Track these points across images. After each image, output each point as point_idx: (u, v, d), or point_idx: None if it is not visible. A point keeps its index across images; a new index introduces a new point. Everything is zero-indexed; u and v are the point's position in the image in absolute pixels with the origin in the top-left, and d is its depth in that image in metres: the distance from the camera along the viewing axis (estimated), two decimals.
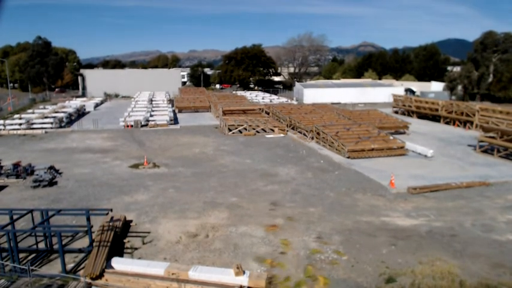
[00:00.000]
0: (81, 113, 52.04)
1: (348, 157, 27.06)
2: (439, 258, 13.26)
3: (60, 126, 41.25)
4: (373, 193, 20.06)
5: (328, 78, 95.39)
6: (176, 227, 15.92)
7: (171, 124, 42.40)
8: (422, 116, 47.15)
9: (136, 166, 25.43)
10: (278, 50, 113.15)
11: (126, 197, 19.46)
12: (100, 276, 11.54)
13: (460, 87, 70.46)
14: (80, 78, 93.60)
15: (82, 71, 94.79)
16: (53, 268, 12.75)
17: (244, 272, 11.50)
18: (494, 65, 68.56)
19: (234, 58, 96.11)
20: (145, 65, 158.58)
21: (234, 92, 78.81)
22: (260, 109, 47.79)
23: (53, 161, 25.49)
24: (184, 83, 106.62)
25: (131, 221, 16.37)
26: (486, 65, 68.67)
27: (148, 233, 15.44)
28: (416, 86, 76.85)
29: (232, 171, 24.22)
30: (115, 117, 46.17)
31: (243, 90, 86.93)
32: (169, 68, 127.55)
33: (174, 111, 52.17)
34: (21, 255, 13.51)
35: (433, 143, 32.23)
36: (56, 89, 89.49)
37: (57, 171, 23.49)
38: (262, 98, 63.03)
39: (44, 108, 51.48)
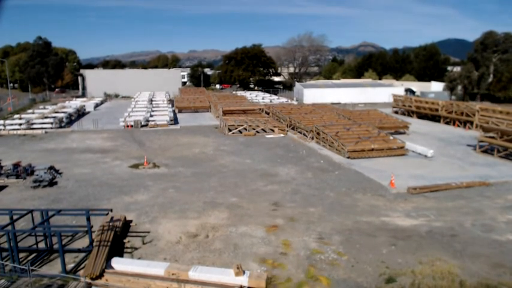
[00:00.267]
0: (81, 113, 52.04)
1: (348, 157, 27.06)
2: (439, 258, 13.26)
3: (60, 127, 41.26)
4: (373, 193, 20.06)
5: (328, 78, 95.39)
6: (176, 227, 15.92)
7: (171, 124, 42.40)
8: (422, 116, 47.15)
9: (136, 166, 25.43)
10: (278, 50, 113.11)
11: (126, 197, 19.46)
12: (100, 276, 11.54)
13: (460, 87, 70.45)
14: (80, 79, 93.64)
15: (82, 71, 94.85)
16: (53, 268, 12.75)
17: (244, 272, 11.51)
18: (494, 65, 68.58)
19: (234, 58, 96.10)
20: (145, 65, 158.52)
21: (234, 92, 78.83)
22: (260, 109, 47.81)
23: (53, 161, 25.49)
24: (184, 83, 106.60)
25: (131, 221, 16.36)
26: (486, 65, 68.68)
27: (148, 232, 15.45)
28: (416, 86, 76.85)
29: (232, 171, 24.22)
30: (115, 118, 46.17)
31: (243, 90, 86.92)
32: (169, 68, 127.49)
33: (174, 111, 52.18)
34: (22, 255, 13.52)
35: (433, 143, 32.23)
36: (56, 89, 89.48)
37: (57, 171, 23.48)
38: (262, 98, 63.03)
39: (44, 108, 51.49)
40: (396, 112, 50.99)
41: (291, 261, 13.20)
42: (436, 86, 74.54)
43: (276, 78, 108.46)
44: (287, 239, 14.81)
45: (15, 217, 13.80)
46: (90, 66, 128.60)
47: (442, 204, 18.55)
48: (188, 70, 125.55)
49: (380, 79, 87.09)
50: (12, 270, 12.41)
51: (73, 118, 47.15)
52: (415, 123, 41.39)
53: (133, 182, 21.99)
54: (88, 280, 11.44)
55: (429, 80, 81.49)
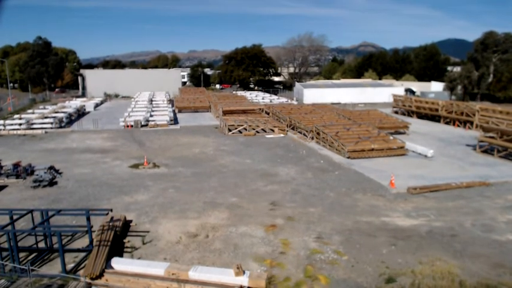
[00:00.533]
0: (81, 113, 52.04)
1: (348, 157, 27.06)
2: (439, 258, 13.26)
3: (60, 127, 41.26)
4: (373, 193, 20.06)
5: (328, 79, 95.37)
6: (176, 227, 15.92)
7: (171, 124, 42.40)
8: (422, 116, 47.14)
9: (136, 166, 25.43)
10: (278, 50, 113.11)
11: (126, 197, 19.46)
12: (100, 276, 11.54)
13: (460, 87, 70.45)
14: (80, 79, 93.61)
15: (82, 71, 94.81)
16: (53, 268, 12.75)
17: (244, 272, 11.51)
18: (494, 65, 68.59)
19: (234, 58, 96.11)
20: (145, 65, 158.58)
21: (234, 92, 78.81)
22: (260, 109, 47.81)
23: (53, 161, 25.49)
24: (184, 83, 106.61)
25: (131, 221, 16.37)
26: (486, 65, 68.70)
27: (148, 232, 15.45)
28: (417, 86, 76.85)
29: (232, 172, 24.21)
30: (115, 118, 46.17)
31: (243, 90, 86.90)
32: (169, 68, 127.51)
33: (174, 111, 52.17)
34: (21, 255, 13.51)
35: (433, 143, 32.22)
36: (56, 89, 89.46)
37: (57, 171, 23.48)
38: (262, 98, 63.04)
39: (44, 108, 51.49)
40: (396, 112, 50.99)
41: (290, 261, 13.20)
42: (436, 86, 74.53)
43: (276, 78, 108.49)
44: (287, 239, 14.81)
45: (15, 217, 13.80)
46: (90, 66, 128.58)
47: (442, 204, 18.55)
48: (188, 70, 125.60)
49: (380, 79, 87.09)
50: (12, 270, 12.41)
51: (73, 118, 47.15)
52: (415, 123, 41.38)
53: (133, 182, 21.99)
54: (88, 280, 11.44)
55: (429, 80, 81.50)
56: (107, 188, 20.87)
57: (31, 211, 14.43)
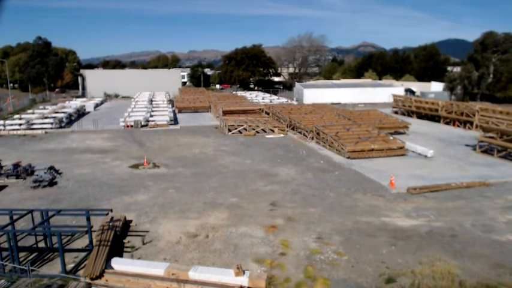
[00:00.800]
0: (81, 113, 52.04)
1: (348, 157, 27.06)
2: (439, 258, 13.26)
3: (60, 127, 41.25)
4: (373, 193, 20.06)
5: (328, 79, 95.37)
6: (176, 227, 15.92)
7: (171, 124, 42.39)
8: (422, 117, 47.14)
9: (136, 166, 25.43)
10: (278, 50, 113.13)
11: (126, 197, 19.46)
12: (100, 276, 11.54)
13: (459, 88, 70.45)
14: (80, 79, 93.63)
15: (82, 71, 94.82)
16: (53, 268, 12.75)
17: (244, 273, 11.51)
18: (494, 65, 68.59)
19: (234, 58, 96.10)
20: (145, 65, 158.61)
21: (234, 92, 78.83)
22: (260, 109, 47.80)
23: (53, 161, 25.49)
24: (184, 83, 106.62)
25: (131, 221, 16.37)
26: (486, 65, 68.71)
27: (147, 231, 15.45)
28: (416, 86, 76.84)
29: (232, 172, 24.22)
30: (115, 118, 46.17)
31: (243, 90, 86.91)
32: (169, 68, 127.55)
33: (174, 111, 52.18)
34: (22, 255, 13.51)
35: (433, 143, 32.23)
36: (56, 89, 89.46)
37: (57, 171, 23.48)
38: (262, 98, 63.04)
39: (44, 108, 51.48)
40: (396, 112, 50.99)
41: (290, 261, 13.20)
42: (436, 86, 74.52)
43: (276, 79, 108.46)
44: (287, 239, 14.81)
45: (15, 217, 13.80)
46: (90, 66, 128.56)
47: (442, 204, 18.55)
48: (188, 70, 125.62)
49: (380, 79, 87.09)
50: (12, 271, 12.41)
51: (73, 118, 47.15)
52: (415, 123, 41.38)
53: (133, 182, 21.99)
54: (88, 280, 11.45)
55: (429, 80, 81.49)
56: (107, 188, 20.87)
57: (31, 211, 14.43)
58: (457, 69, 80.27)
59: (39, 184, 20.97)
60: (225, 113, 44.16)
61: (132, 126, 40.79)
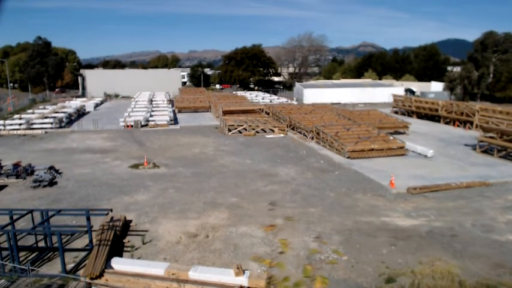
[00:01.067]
0: (81, 113, 52.04)
1: (348, 157, 27.07)
2: (439, 258, 13.27)
3: (60, 127, 41.26)
4: (373, 193, 20.06)
5: (328, 79, 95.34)
6: (176, 227, 15.92)
7: (171, 124, 42.40)
8: (422, 116, 47.14)
9: (136, 166, 25.43)
10: (278, 50, 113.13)
11: (126, 197, 19.46)
12: (100, 276, 11.55)
13: (459, 88, 70.45)
14: (80, 79, 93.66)
15: (82, 71, 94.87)
16: (53, 268, 12.75)
17: (244, 272, 11.51)
18: (494, 65, 68.58)
19: (234, 58, 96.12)
20: (145, 65, 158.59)
21: (234, 92, 78.81)
22: (260, 109, 47.81)
23: (53, 161, 25.49)
24: (184, 83, 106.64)
25: (131, 221, 16.37)
26: (486, 65, 68.69)
27: (147, 231, 15.45)
28: (416, 86, 76.84)
29: (232, 172, 24.22)
30: (115, 118, 46.17)
31: (243, 90, 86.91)
32: (169, 68, 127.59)
33: (174, 111, 52.18)
34: (22, 255, 13.51)
35: (433, 143, 32.23)
36: (56, 89, 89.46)
37: (57, 171, 23.49)
38: (262, 98, 63.05)
39: (44, 108, 51.49)
40: (396, 112, 50.99)
41: (290, 261, 13.20)
42: (436, 86, 74.53)
43: (276, 79, 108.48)
44: (287, 239, 14.81)
45: (15, 217, 13.80)
46: (90, 66, 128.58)
47: (442, 204, 18.55)
48: (188, 70, 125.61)
49: (380, 79, 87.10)
50: (12, 270, 12.41)
51: (73, 118, 47.16)
52: (415, 123, 41.38)
53: (134, 182, 22.00)
54: (88, 280, 11.45)
55: (429, 80, 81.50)
56: (107, 188, 20.87)
57: (31, 211, 14.43)
58: (457, 69, 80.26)
59: (39, 184, 20.97)
60: (225, 113, 44.16)
61: (132, 126, 40.79)
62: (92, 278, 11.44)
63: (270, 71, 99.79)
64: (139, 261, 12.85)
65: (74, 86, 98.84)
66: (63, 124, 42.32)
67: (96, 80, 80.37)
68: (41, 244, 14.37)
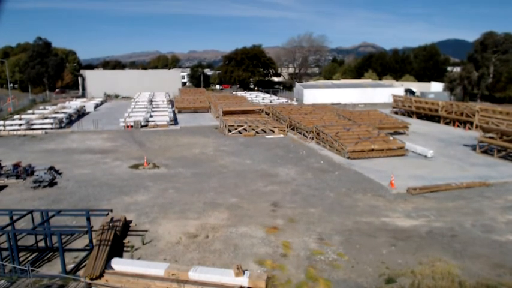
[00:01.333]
0: (81, 114, 52.02)
1: (348, 157, 27.07)
2: (439, 258, 13.27)
3: (60, 127, 41.25)
4: (373, 193, 20.06)
5: (328, 79, 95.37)
6: (176, 227, 15.92)
7: (171, 125, 42.39)
8: (422, 117, 47.14)
9: (136, 167, 25.43)
10: (278, 51, 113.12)
11: (126, 198, 19.46)
12: (100, 276, 11.55)
13: (459, 88, 70.45)
14: (80, 79, 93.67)
15: (82, 71, 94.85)
16: (53, 269, 12.75)
17: (244, 273, 11.52)
18: (494, 66, 68.60)
19: (234, 59, 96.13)
20: (145, 66, 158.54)
21: (234, 92, 78.85)
22: (260, 110, 47.81)
23: (53, 162, 25.49)
24: (184, 84, 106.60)
25: (131, 222, 16.37)
26: (486, 66, 68.71)
27: (146, 231, 15.44)
28: (416, 87, 76.85)
29: (232, 172, 24.22)
30: (115, 118, 46.16)
31: (243, 90, 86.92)
32: (169, 68, 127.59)
33: (174, 111, 52.19)
34: (22, 256, 13.50)
35: (433, 143, 32.23)
36: (56, 90, 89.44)
37: (57, 171, 23.48)
38: (262, 99, 63.06)
39: (44, 108, 51.49)
40: (396, 112, 50.99)
41: (291, 261, 13.20)
42: (436, 87, 74.52)
43: (276, 79, 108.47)
44: (287, 239, 14.81)
45: (15, 217, 13.80)
46: (90, 66, 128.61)
47: (442, 204, 18.55)
48: (188, 70, 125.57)
49: (380, 79, 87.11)
50: (12, 271, 12.41)
51: (73, 118, 47.14)
52: (415, 123, 41.39)
53: (133, 183, 21.99)
54: (88, 280, 11.45)
55: (429, 81, 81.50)
56: (107, 189, 20.87)
57: (31, 211, 14.43)
58: (457, 69, 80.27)
59: (39, 184, 20.97)
60: (225, 113, 44.16)
61: (132, 126, 40.78)
62: (91, 279, 11.44)
63: (270, 71, 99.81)
64: (139, 261, 12.85)
65: (74, 87, 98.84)
66: (63, 124, 42.32)
67: (96, 81, 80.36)
68: (41, 244, 14.36)
